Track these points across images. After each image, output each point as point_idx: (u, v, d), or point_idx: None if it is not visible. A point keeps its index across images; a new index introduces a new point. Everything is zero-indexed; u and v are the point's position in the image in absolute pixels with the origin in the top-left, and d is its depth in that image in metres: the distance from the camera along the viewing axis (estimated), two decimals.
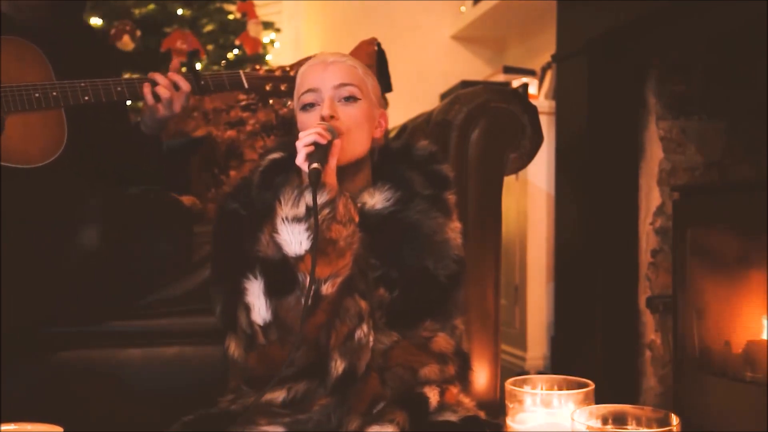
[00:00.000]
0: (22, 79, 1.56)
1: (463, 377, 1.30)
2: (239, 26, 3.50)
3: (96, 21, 3.23)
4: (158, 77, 1.61)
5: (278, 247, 1.13)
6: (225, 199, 1.34)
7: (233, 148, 1.99)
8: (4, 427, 1.08)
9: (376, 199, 1.28)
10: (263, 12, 3.84)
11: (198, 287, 1.54)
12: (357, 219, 1.18)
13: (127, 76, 1.90)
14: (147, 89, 1.61)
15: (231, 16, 3.53)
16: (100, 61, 1.80)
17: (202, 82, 1.64)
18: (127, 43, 3.12)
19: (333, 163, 1.20)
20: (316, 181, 1.13)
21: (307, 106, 1.30)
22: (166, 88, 1.60)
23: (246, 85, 1.66)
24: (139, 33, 3.19)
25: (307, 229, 1.11)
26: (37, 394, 1.48)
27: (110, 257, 1.45)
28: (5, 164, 1.50)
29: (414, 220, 1.27)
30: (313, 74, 1.31)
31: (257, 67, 1.71)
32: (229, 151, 1.99)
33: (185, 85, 1.62)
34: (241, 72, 1.67)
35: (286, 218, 1.13)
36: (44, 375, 1.49)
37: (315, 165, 1.14)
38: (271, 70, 1.68)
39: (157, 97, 1.61)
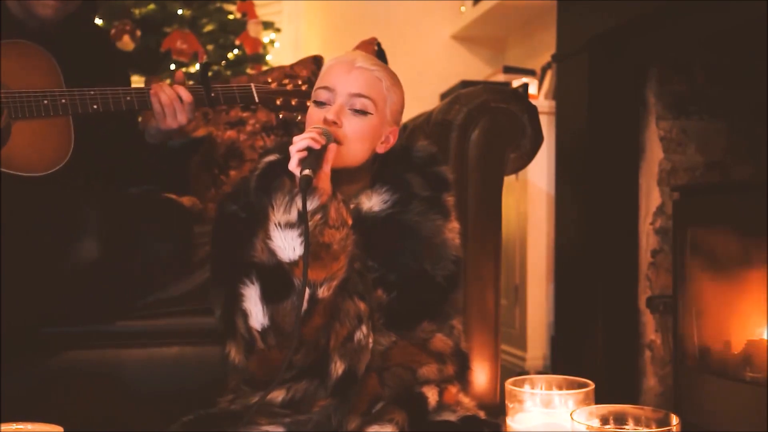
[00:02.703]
0: (32, 84, 1.53)
1: (462, 377, 1.30)
2: (239, 26, 3.49)
3: (96, 21, 3.22)
4: (163, 87, 1.59)
5: (272, 253, 1.12)
6: (224, 201, 1.33)
7: (233, 148, 1.99)
8: (4, 427, 1.08)
9: (374, 201, 1.27)
10: (263, 12, 3.83)
11: (198, 287, 1.54)
12: (350, 222, 1.17)
13: None
14: (155, 99, 1.58)
15: (231, 16, 3.52)
16: (110, 66, 1.79)
17: (213, 95, 1.62)
18: (127, 43, 3.11)
19: (327, 168, 1.18)
20: (306, 188, 1.11)
21: (319, 103, 1.28)
22: (169, 98, 1.58)
23: (257, 100, 1.64)
24: (139, 33, 3.18)
25: (300, 235, 1.10)
26: (37, 394, 1.48)
27: (110, 258, 1.44)
28: (9, 172, 1.48)
29: (412, 222, 1.26)
30: (335, 73, 1.28)
31: (268, 80, 1.68)
32: (229, 151, 1.99)
33: (187, 96, 1.59)
34: (252, 86, 1.64)
35: (279, 224, 1.12)
36: (44, 375, 1.49)
37: (306, 171, 1.11)
38: (282, 84, 1.65)
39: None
